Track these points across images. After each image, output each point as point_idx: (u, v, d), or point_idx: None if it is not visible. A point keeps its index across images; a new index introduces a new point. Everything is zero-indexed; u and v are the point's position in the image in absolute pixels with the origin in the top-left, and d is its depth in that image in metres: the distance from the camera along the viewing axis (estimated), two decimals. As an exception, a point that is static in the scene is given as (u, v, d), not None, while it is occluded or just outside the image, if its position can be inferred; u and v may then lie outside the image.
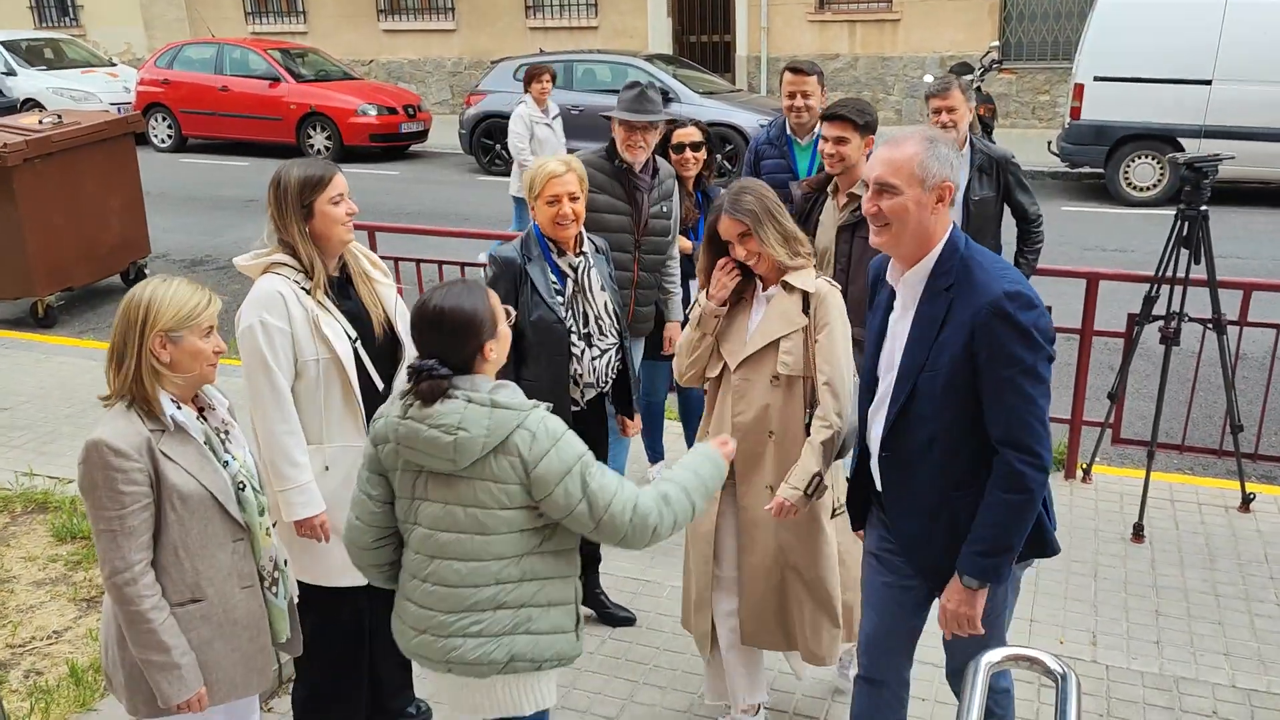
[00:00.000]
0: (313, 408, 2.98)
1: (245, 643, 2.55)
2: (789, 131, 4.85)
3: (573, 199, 3.45)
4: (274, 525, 2.67)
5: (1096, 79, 11.28)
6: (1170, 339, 4.60)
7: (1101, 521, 4.73)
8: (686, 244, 4.64)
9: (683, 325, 4.19)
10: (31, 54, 17.51)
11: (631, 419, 3.90)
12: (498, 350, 2.39)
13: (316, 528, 2.98)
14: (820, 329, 3.03)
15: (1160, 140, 11.14)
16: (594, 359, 3.60)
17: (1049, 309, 4.62)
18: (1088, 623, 4.00)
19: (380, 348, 3.11)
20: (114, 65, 18.59)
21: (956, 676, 2.79)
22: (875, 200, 2.46)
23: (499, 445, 2.27)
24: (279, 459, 2.89)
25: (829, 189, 4.02)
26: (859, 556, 3.03)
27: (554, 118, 9.24)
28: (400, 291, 3.32)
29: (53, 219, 7.92)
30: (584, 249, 3.57)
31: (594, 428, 3.68)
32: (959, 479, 2.52)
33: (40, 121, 8.11)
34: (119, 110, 15.13)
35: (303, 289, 2.95)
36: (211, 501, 2.45)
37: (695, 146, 4.61)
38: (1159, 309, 4.70)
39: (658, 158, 4.38)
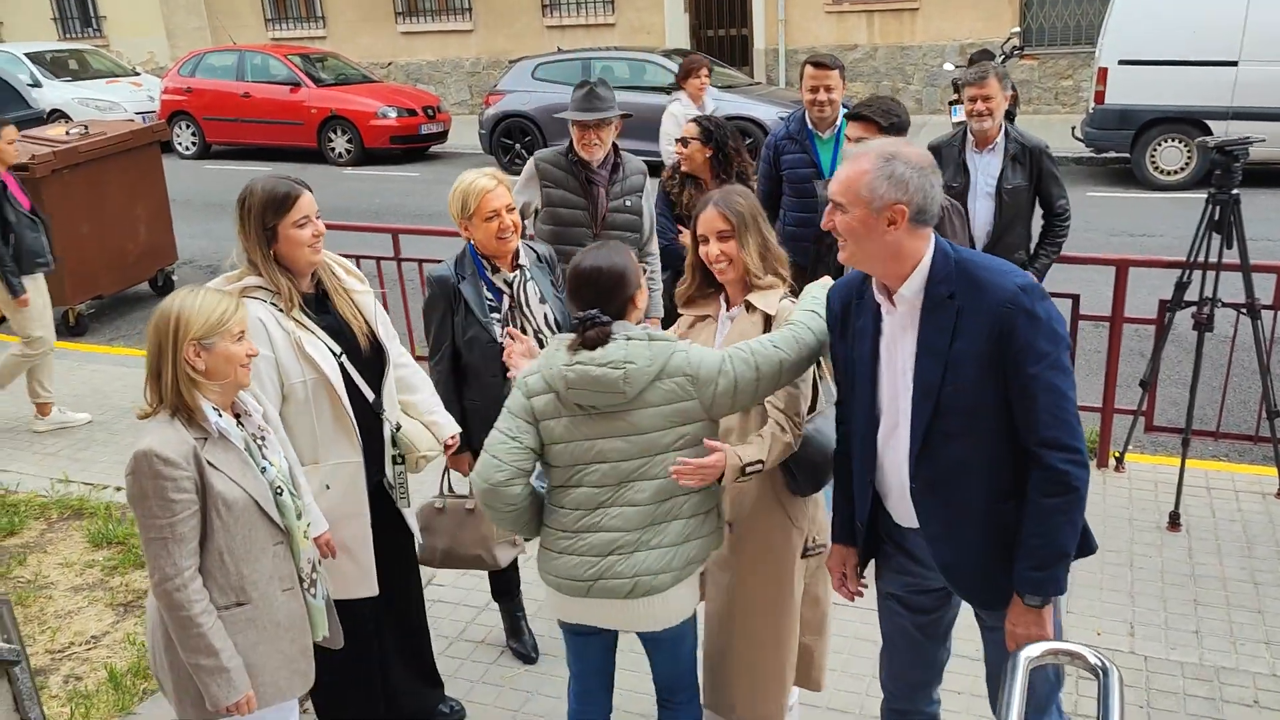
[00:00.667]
0: (304, 428, 2.96)
1: (288, 644, 2.58)
2: (810, 125, 4.83)
3: (509, 210, 3.37)
4: (309, 527, 2.70)
5: (1121, 62, 11.15)
6: (1204, 325, 4.54)
7: (1136, 510, 4.68)
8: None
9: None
10: (56, 65, 17.69)
11: None
12: (641, 300, 2.71)
13: (323, 546, 2.96)
14: None
15: (1187, 123, 11.01)
16: None
17: (1077, 296, 4.61)
18: (1125, 614, 3.96)
19: (366, 359, 3.09)
20: (137, 75, 18.76)
21: (994, 681, 2.71)
22: (830, 215, 2.39)
23: (662, 371, 2.56)
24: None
25: None
26: (828, 597, 3.00)
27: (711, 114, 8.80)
28: (389, 296, 3.32)
29: (81, 228, 7.99)
30: (521, 262, 3.48)
31: None
32: (1004, 489, 2.38)
33: (67, 133, 8.19)
34: (144, 119, 15.30)
35: (280, 310, 2.92)
36: (254, 507, 2.48)
37: (684, 142, 4.78)
38: (1191, 295, 4.64)
39: (625, 153, 4.39)
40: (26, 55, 17.31)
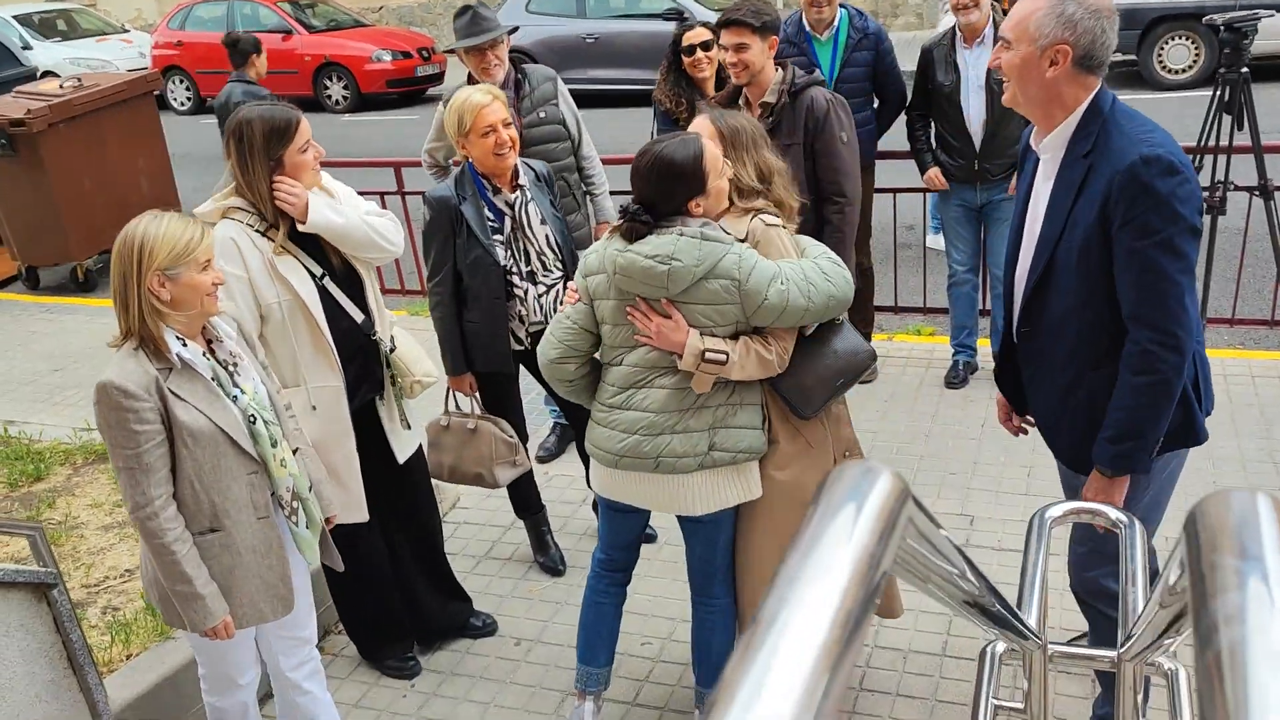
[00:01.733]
0: (285, 350, 2.96)
1: (265, 570, 2.58)
2: (807, 27, 4.76)
3: (506, 125, 3.30)
4: (295, 452, 2.67)
5: (1125, -40, 10.91)
6: (1216, 209, 4.51)
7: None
8: None
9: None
10: (45, 27, 17.52)
11: None
12: (705, 206, 2.63)
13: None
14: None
15: (1193, 19, 10.78)
16: (539, 296, 3.50)
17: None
18: (1144, 497, 3.98)
19: (343, 281, 3.07)
20: (127, 32, 18.56)
21: (1098, 581, 2.69)
22: (997, 54, 2.37)
23: (711, 271, 2.54)
24: None
25: (740, 102, 3.88)
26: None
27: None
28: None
29: (83, 183, 7.97)
30: (521, 182, 3.44)
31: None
32: (1097, 358, 2.39)
33: (61, 86, 8.13)
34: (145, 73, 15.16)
35: (257, 231, 2.90)
36: (222, 437, 2.46)
37: (706, 46, 4.52)
38: (1202, 179, 4.59)
39: (526, 66, 4.28)
40: (15, 18, 17.13)
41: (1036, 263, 2.45)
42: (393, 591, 3.44)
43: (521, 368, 3.71)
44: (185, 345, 2.44)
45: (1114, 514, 2.04)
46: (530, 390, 4.22)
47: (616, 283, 2.65)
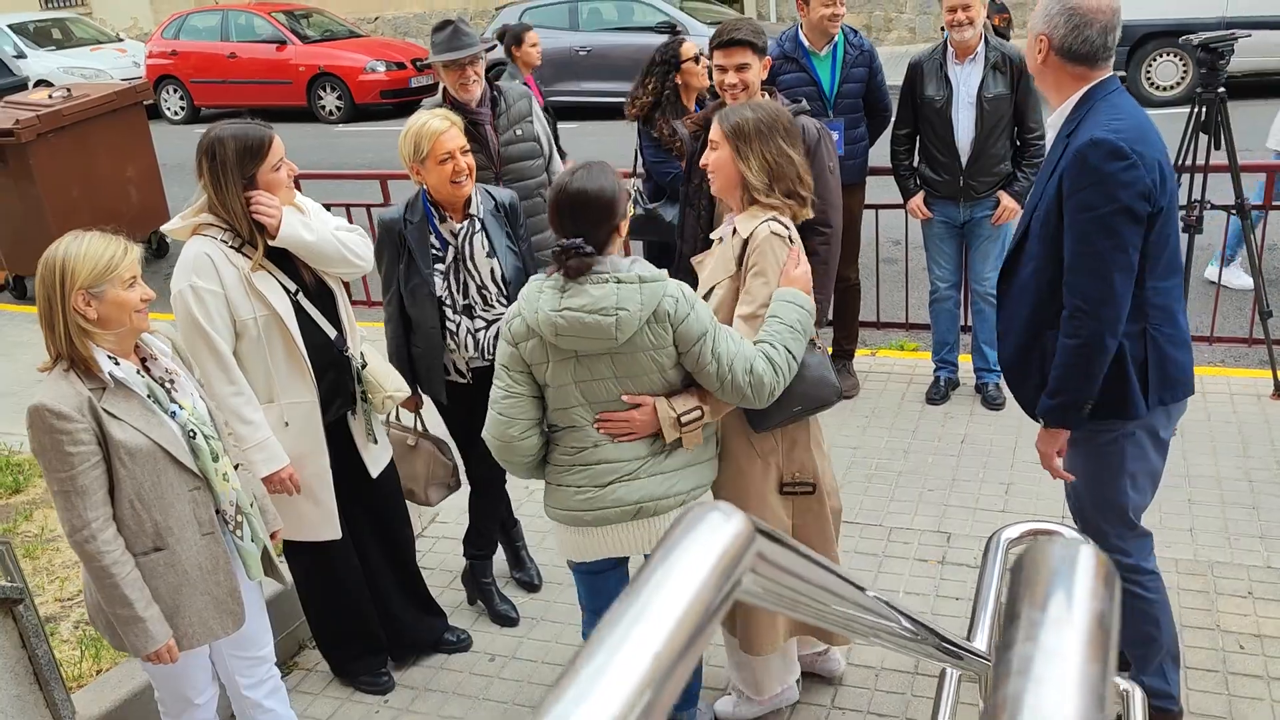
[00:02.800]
0: (259, 366, 2.96)
1: (213, 586, 2.57)
2: (805, 44, 4.77)
3: (464, 152, 3.26)
4: (236, 468, 2.66)
5: (1113, -22, 10.96)
6: (1193, 227, 4.52)
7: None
8: None
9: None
10: (40, 35, 17.55)
11: None
12: (625, 228, 2.62)
13: (285, 481, 2.98)
14: (750, 274, 2.72)
15: (1179, 35, 10.82)
16: (475, 331, 3.40)
17: None
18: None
19: (316, 297, 3.07)
20: (121, 41, 18.60)
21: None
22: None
23: (653, 315, 2.49)
24: (231, 420, 2.86)
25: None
26: (830, 547, 2.95)
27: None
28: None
29: (71, 193, 7.97)
30: (472, 211, 3.35)
31: (484, 400, 3.21)
32: (1050, 319, 2.59)
33: (50, 96, 8.14)
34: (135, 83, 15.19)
35: (231, 247, 2.89)
36: (161, 454, 2.44)
37: (696, 60, 4.60)
38: (1179, 198, 4.60)
39: (500, 84, 4.26)
40: (9, 26, 17.17)
41: (1018, 230, 2.74)
42: (366, 607, 3.44)
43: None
44: (118, 364, 2.42)
45: (1068, 534, 2.05)
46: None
47: (559, 343, 2.52)
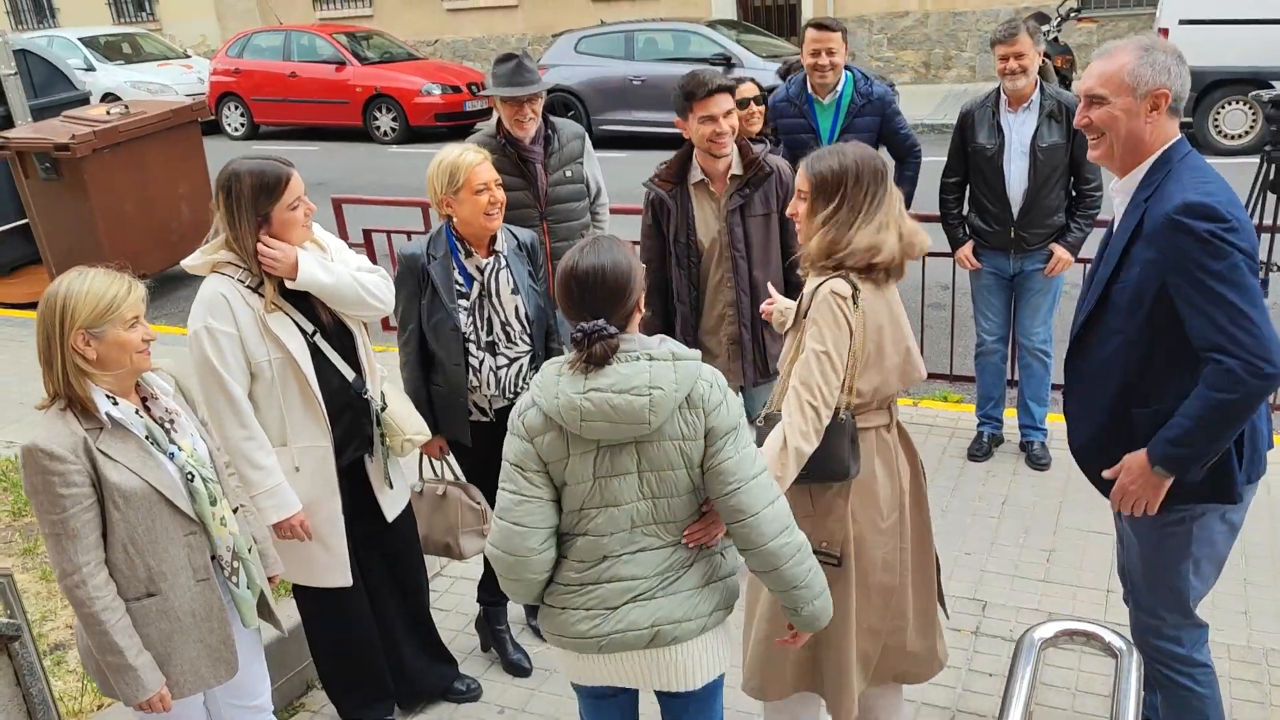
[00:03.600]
0: (273, 409, 2.89)
1: (207, 633, 2.49)
2: (810, 90, 4.70)
3: (498, 184, 3.22)
4: (235, 511, 2.59)
5: (1182, 22, 10.71)
6: (1262, 285, 4.31)
7: (1185, 485, 4.47)
8: None
9: None
10: (110, 49, 17.97)
11: None
12: (641, 303, 2.32)
13: (296, 527, 2.92)
14: (806, 330, 2.56)
15: (1251, 84, 10.52)
16: (497, 369, 3.31)
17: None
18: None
19: (335, 338, 3.00)
20: (188, 57, 19.00)
21: (1146, 634, 2.64)
22: (1085, 112, 2.46)
23: (687, 399, 2.20)
24: (241, 464, 2.81)
25: (695, 181, 3.71)
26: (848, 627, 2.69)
27: None
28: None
29: (124, 208, 8.08)
30: (497, 248, 3.30)
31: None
32: (1140, 397, 2.45)
33: (108, 112, 8.26)
34: (193, 101, 15.47)
35: (249, 287, 2.83)
36: (157, 497, 2.36)
37: (759, 101, 4.53)
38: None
39: (556, 120, 4.18)
40: (80, 40, 17.60)
41: (1088, 299, 2.54)
42: (375, 653, 3.35)
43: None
44: (116, 404, 2.36)
45: (1108, 637, 1.89)
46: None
47: (584, 431, 2.18)
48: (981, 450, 4.93)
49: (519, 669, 3.68)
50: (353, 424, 3.07)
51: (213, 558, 2.52)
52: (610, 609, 2.29)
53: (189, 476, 2.43)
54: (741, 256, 3.69)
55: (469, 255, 3.29)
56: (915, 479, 2.81)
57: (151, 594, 2.40)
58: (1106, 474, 2.55)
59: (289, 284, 2.86)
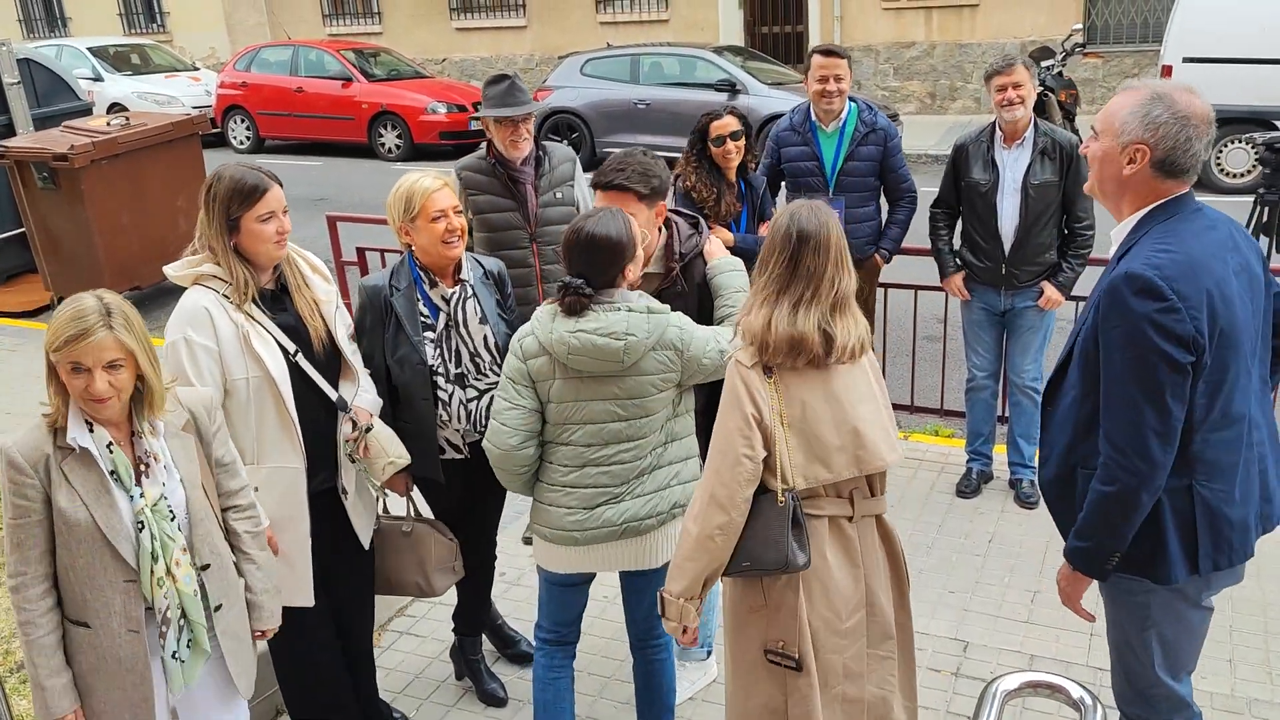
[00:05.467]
0: (244, 427, 2.83)
1: (129, 687, 2.39)
2: (814, 118, 4.68)
3: (456, 212, 3.12)
4: (205, 568, 2.45)
5: (1185, 60, 10.73)
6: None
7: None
8: (728, 235, 4.44)
9: None
10: (119, 60, 18.06)
11: None
12: (634, 271, 2.80)
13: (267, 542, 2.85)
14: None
15: (1254, 124, 10.54)
16: (467, 401, 3.21)
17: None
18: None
19: (322, 360, 2.95)
20: (196, 70, 19.07)
21: (1120, 700, 2.61)
22: (1088, 142, 2.41)
23: (657, 342, 2.71)
24: None
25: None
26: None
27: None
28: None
29: (121, 219, 8.07)
30: (463, 276, 3.21)
31: (483, 475, 3.16)
32: (1086, 456, 2.37)
33: (108, 124, 8.28)
34: (199, 113, 15.51)
35: (232, 303, 2.79)
36: (99, 537, 2.30)
37: (735, 136, 4.39)
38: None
39: (547, 143, 4.16)
40: (89, 50, 17.69)
41: (1064, 350, 2.49)
42: (340, 681, 3.28)
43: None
44: (92, 430, 2.32)
45: (1075, 691, 1.85)
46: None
47: (569, 362, 2.72)
48: (970, 486, 4.88)
49: (494, 698, 3.63)
50: (324, 446, 3.01)
51: (149, 609, 2.41)
52: (588, 509, 2.83)
53: (139, 525, 2.34)
54: None
55: (433, 285, 3.18)
56: (897, 579, 2.60)
57: (84, 623, 2.35)
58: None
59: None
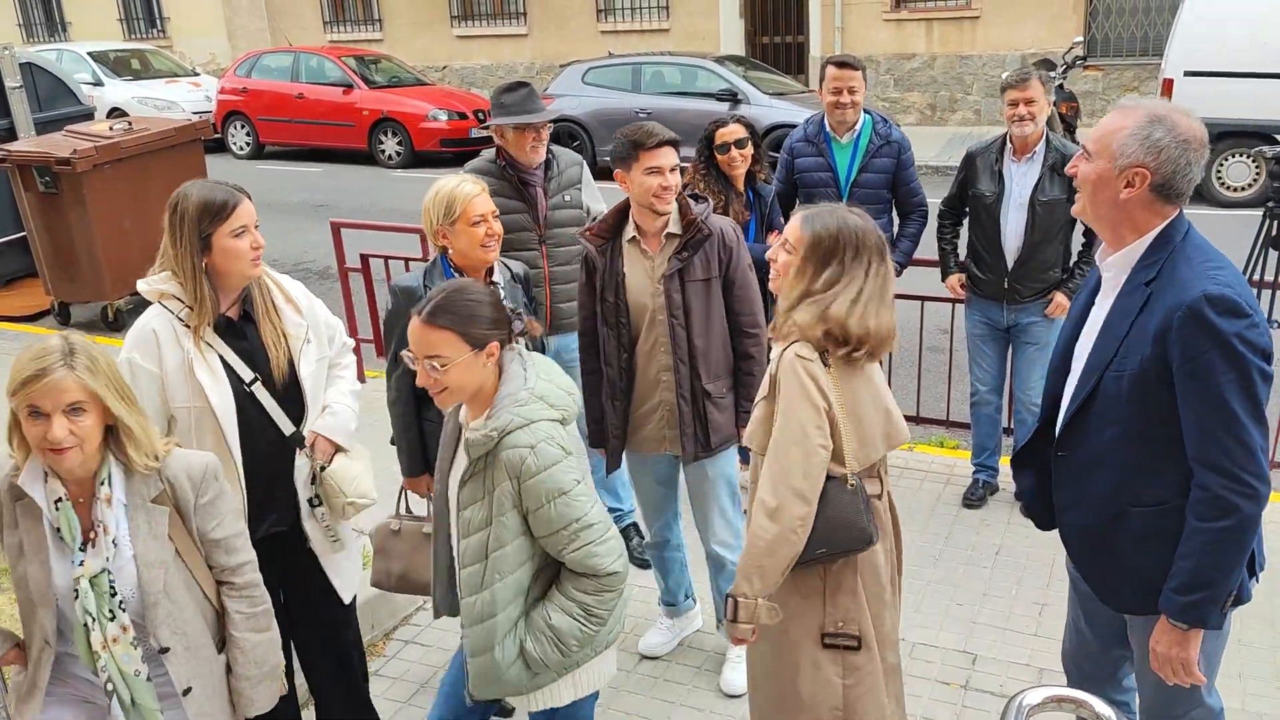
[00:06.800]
0: None
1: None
2: (828, 129, 4.69)
3: (495, 216, 3.20)
4: (165, 651, 2.30)
5: (1187, 74, 10.76)
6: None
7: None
8: None
9: None
10: (119, 65, 18.07)
11: None
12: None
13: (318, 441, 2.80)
14: (778, 404, 2.45)
15: (1255, 137, 10.58)
16: None
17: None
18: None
19: (281, 391, 2.79)
20: (197, 75, 19.09)
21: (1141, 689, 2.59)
22: (1076, 162, 2.32)
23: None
24: None
25: (628, 237, 3.42)
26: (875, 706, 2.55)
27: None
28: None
29: (122, 224, 8.04)
30: (494, 279, 3.28)
31: None
32: (1143, 494, 2.28)
33: (111, 128, 8.26)
34: (199, 119, 15.50)
35: (186, 326, 2.66)
36: (41, 586, 2.20)
37: (740, 144, 4.39)
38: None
39: (555, 148, 4.19)
40: (90, 54, 17.71)
41: (1081, 387, 2.35)
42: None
43: None
44: (46, 481, 2.21)
45: (1100, 708, 1.83)
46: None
47: None
48: (977, 497, 4.86)
49: (502, 709, 3.60)
50: (277, 484, 2.83)
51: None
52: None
53: (74, 594, 2.21)
54: (680, 324, 3.38)
55: None
56: (898, 547, 2.69)
57: (47, 641, 2.29)
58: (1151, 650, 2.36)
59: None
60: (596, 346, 3.52)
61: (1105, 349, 2.29)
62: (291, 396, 2.83)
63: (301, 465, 2.85)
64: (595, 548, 2.37)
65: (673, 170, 3.31)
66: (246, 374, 2.74)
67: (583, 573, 2.39)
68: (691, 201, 3.44)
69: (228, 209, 2.65)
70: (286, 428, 2.81)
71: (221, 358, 2.71)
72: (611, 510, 4.57)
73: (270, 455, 2.79)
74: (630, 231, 3.43)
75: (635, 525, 4.58)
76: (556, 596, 2.42)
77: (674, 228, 3.37)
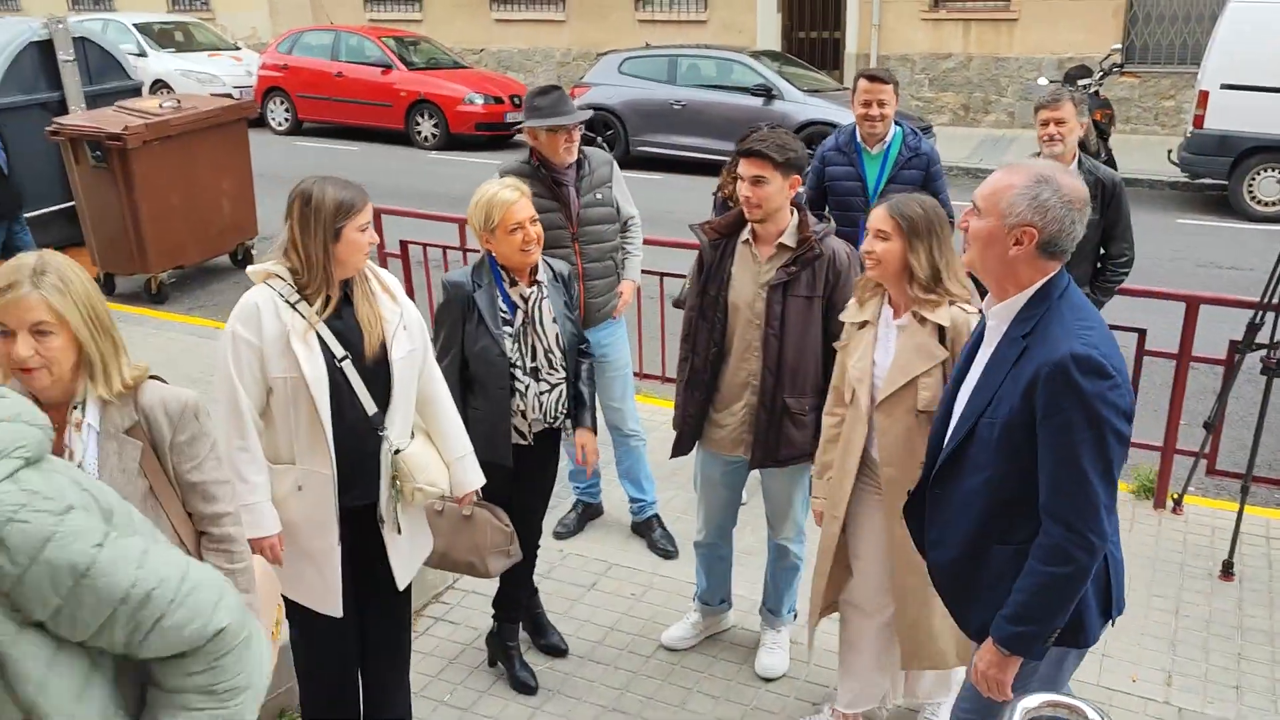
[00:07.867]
0: (285, 426, 2.88)
1: None
2: (859, 139, 4.80)
3: (533, 221, 3.38)
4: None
5: (1223, 86, 10.76)
6: (1273, 370, 4.37)
7: (1189, 556, 4.53)
8: None
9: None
10: (162, 37, 18.31)
11: (586, 427, 3.70)
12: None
13: (265, 549, 2.88)
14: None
15: (1289, 152, 10.58)
16: (541, 394, 3.51)
17: (1143, 332, 4.35)
18: (1164, 661, 3.84)
19: (369, 370, 2.95)
20: (239, 49, 19.31)
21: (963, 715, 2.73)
22: (966, 217, 2.41)
23: None
24: (232, 474, 2.69)
25: (743, 238, 3.50)
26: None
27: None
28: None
29: (169, 199, 8.27)
30: (539, 278, 3.49)
31: (540, 464, 3.70)
32: (1004, 534, 2.41)
33: (160, 105, 8.46)
34: (239, 94, 15.72)
35: (287, 302, 2.85)
36: None
37: None
38: (1263, 337, 4.47)
39: (585, 148, 4.34)
40: (135, 26, 17.94)
41: (958, 430, 2.46)
42: (347, 698, 3.28)
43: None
44: None
45: (1093, 714, 1.97)
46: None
47: None
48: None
49: (525, 687, 3.78)
50: (360, 463, 2.99)
51: None
52: None
53: None
54: (775, 335, 3.41)
55: (513, 284, 3.47)
56: None
57: None
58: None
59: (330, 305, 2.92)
60: (693, 337, 3.61)
61: (982, 395, 2.40)
62: (379, 378, 2.98)
63: (387, 448, 3.01)
64: (176, 614, 1.61)
65: (754, 182, 3.33)
66: (339, 350, 2.91)
67: (179, 654, 1.65)
68: (813, 219, 3.49)
69: (357, 206, 2.89)
70: (370, 407, 2.96)
71: (318, 334, 2.89)
72: (634, 500, 4.73)
73: (356, 431, 2.96)
74: (746, 234, 3.50)
75: (658, 516, 4.73)
76: (163, 703, 1.67)
77: (789, 240, 3.41)
